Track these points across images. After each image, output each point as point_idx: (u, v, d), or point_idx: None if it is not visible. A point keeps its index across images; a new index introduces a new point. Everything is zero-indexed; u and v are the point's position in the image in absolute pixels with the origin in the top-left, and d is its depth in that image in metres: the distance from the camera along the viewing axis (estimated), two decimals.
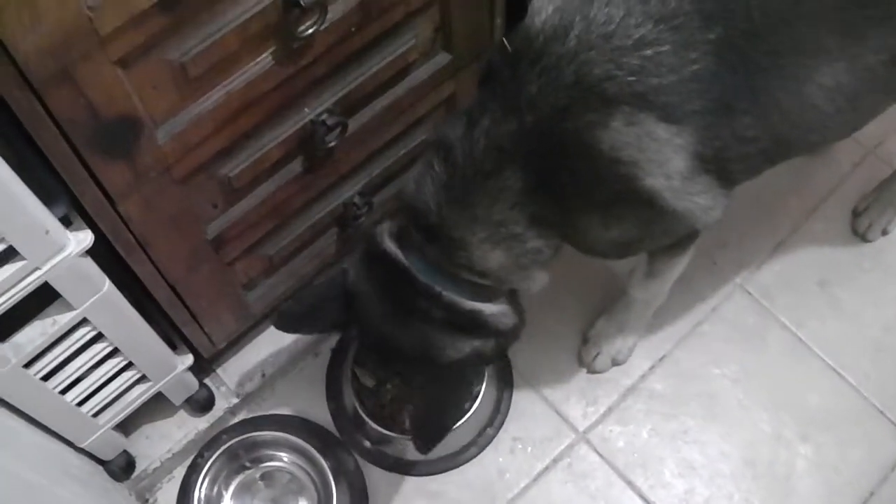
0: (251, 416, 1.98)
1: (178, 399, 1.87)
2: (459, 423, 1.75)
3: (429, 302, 1.45)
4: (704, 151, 1.29)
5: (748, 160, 1.37)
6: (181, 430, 1.93)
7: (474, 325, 1.48)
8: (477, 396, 1.89)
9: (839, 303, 2.09)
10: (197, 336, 1.76)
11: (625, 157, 1.26)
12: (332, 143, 1.55)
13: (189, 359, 1.78)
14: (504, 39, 1.33)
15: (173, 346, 1.76)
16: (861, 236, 2.17)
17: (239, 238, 1.62)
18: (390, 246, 1.46)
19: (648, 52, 1.23)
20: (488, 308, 1.49)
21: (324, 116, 1.51)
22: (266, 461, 1.93)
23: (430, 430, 1.54)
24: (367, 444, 1.95)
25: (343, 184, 1.74)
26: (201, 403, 1.93)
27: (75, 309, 1.43)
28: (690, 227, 1.43)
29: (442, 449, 1.83)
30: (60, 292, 1.38)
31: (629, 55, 1.24)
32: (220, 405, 1.95)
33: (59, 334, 1.45)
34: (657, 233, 1.47)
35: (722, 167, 1.34)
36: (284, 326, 1.59)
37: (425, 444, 1.54)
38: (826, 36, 1.30)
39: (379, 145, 1.72)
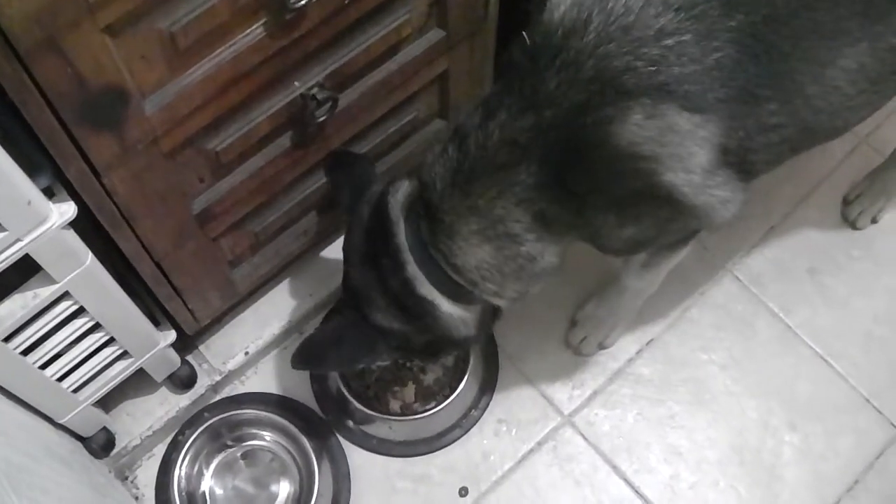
0: (233, 394, 1.97)
1: (159, 376, 1.84)
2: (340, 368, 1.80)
3: (392, 266, 1.43)
4: (728, 142, 1.27)
5: (771, 149, 1.35)
6: (162, 407, 1.91)
7: (416, 311, 1.46)
8: (462, 377, 1.89)
9: (829, 291, 2.09)
10: (181, 313, 1.73)
11: (645, 152, 1.24)
12: (323, 119, 1.52)
13: (171, 335, 1.75)
14: (524, 33, 1.31)
15: (156, 322, 1.73)
16: (851, 224, 2.16)
17: (225, 213, 1.59)
18: (393, 202, 1.44)
19: (669, 41, 1.21)
20: (446, 305, 1.47)
21: (314, 91, 1.48)
22: (248, 440, 1.92)
23: (307, 355, 1.55)
24: (351, 424, 1.93)
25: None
26: (183, 381, 1.90)
27: (57, 282, 1.40)
28: (707, 223, 1.40)
29: (426, 430, 1.88)
30: (42, 265, 1.35)
31: (649, 46, 1.21)
32: (203, 383, 1.92)
33: (39, 308, 1.42)
34: (672, 229, 1.46)
35: (744, 158, 1.31)
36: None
37: (296, 360, 1.54)
38: (847, 17, 1.28)
39: (370, 121, 1.69)
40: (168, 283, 1.63)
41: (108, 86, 1.21)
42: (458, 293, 1.46)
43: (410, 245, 1.42)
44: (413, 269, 1.43)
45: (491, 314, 1.57)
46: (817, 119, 1.36)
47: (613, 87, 1.22)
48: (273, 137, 1.54)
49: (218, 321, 1.94)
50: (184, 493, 1.85)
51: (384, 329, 1.49)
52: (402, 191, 1.45)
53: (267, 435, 1.91)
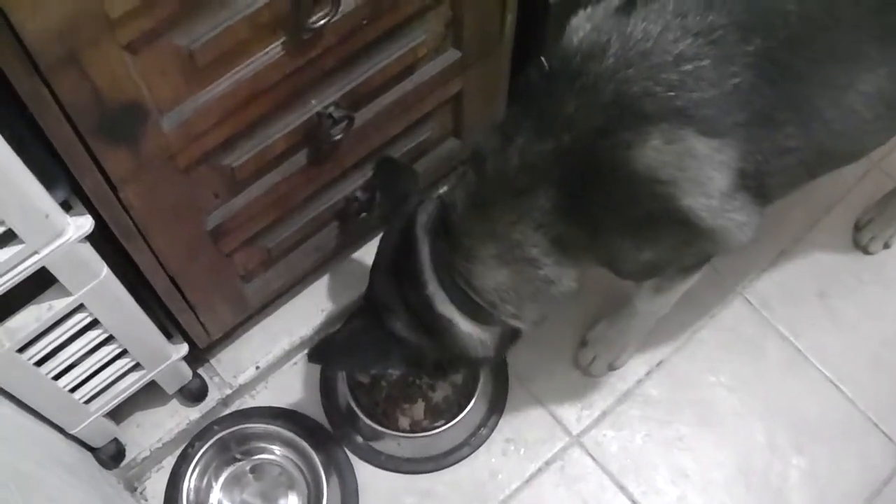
0: (243, 407, 1.97)
1: (171, 388, 1.85)
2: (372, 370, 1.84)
3: (414, 282, 1.45)
4: (746, 166, 1.27)
5: (788, 173, 1.36)
6: (173, 419, 1.91)
7: (434, 328, 1.48)
8: (472, 395, 1.89)
9: (838, 315, 2.08)
10: (193, 326, 1.74)
11: (663, 177, 1.24)
12: (338, 137, 1.54)
13: (184, 348, 1.76)
14: (542, 58, 1.32)
15: (168, 335, 1.74)
16: (863, 249, 2.15)
17: (239, 229, 1.60)
18: (420, 221, 1.45)
19: (688, 67, 1.22)
20: (464, 324, 1.48)
21: (330, 109, 1.49)
22: (257, 454, 1.92)
23: (324, 351, 1.57)
24: (360, 440, 1.94)
25: (347, 178, 1.72)
26: (194, 393, 1.91)
27: (72, 295, 1.41)
28: (724, 247, 1.40)
29: (435, 447, 1.88)
30: (58, 277, 1.36)
31: (668, 71, 1.22)
32: (213, 396, 1.93)
33: (54, 320, 1.43)
34: (688, 253, 1.46)
35: (761, 182, 1.32)
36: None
37: (314, 355, 1.57)
38: (866, 41, 1.29)
39: (384, 140, 1.70)
40: (181, 296, 1.63)
41: (126, 102, 1.23)
42: (477, 313, 1.47)
43: (433, 264, 1.44)
44: (433, 288, 1.44)
45: (510, 337, 1.58)
46: (835, 143, 1.36)
47: (632, 112, 1.23)
48: (289, 155, 1.55)
49: (229, 335, 1.94)
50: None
51: (401, 339, 1.50)
52: (428, 211, 1.47)
53: (276, 449, 1.91)
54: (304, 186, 1.63)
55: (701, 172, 1.24)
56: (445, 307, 1.45)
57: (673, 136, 1.22)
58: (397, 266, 1.49)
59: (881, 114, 1.35)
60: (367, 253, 1.97)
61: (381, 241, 1.55)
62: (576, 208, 1.31)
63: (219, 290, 1.72)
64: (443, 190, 1.49)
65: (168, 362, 1.74)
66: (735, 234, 1.34)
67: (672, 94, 1.22)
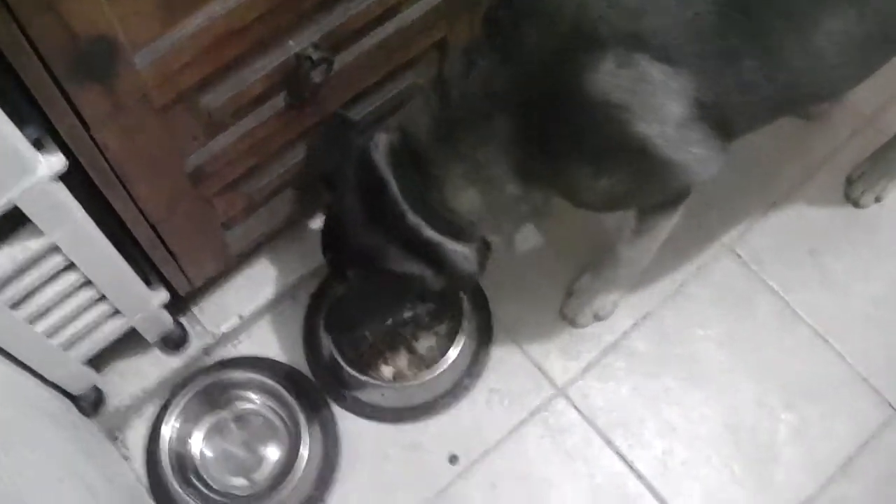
0: (226, 357, 1.96)
1: (151, 336, 1.83)
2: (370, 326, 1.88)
3: (393, 217, 1.47)
4: (703, 98, 1.26)
5: (750, 109, 1.35)
6: (154, 368, 1.89)
7: (428, 254, 1.50)
8: (455, 345, 1.88)
9: (829, 272, 2.07)
10: (174, 274, 1.72)
11: (615, 100, 1.24)
12: (318, 80, 1.51)
13: (164, 295, 1.74)
14: None
15: (148, 282, 1.72)
16: (854, 202, 2.14)
17: (218, 173, 1.58)
18: (378, 156, 1.47)
19: None
20: (450, 244, 1.50)
21: (309, 51, 1.46)
22: (239, 403, 1.91)
23: (340, 319, 1.65)
24: (343, 390, 1.92)
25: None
26: (175, 342, 1.89)
27: (45, 236, 1.38)
28: (685, 181, 1.41)
29: (418, 397, 1.87)
30: (31, 217, 1.34)
31: None
32: (195, 345, 1.92)
33: (28, 261, 1.41)
34: (649, 185, 1.45)
35: (722, 116, 1.31)
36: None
37: (331, 326, 1.74)
38: None
39: (366, 86, 1.67)
40: (163, 244, 1.62)
41: (98, 37, 1.19)
42: (458, 233, 1.50)
43: (405, 195, 1.46)
44: (413, 218, 1.47)
45: (486, 250, 1.61)
46: (799, 82, 1.35)
47: (588, 37, 1.23)
48: (267, 98, 1.52)
49: (212, 283, 1.92)
50: (173, 455, 1.83)
51: (405, 276, 1.53)
52: (384, 144, 1.48)
53: (258, 398, 1.90)
54: (283, 131, 1.60)
55: (655, 99, 1.24)
56: (430, 233, 1.48)
57: (626, 60, 1.22)
58: (371, 209, 1.50)
59: (850, 57, 1.34)
60: None
61: (340, 198, 1.55)
62: (534, 134, 1.33)
63: (200, 237, 1.69)
64: (392, 120, 1.51)
65: (148, 309, 1.72)
66: (696, 168, 1.35)
67: (629, 18, 1.22)
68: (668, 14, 1.22)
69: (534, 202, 1.47)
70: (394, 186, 1.46)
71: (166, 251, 1.63)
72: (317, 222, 1.97)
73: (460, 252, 1.52)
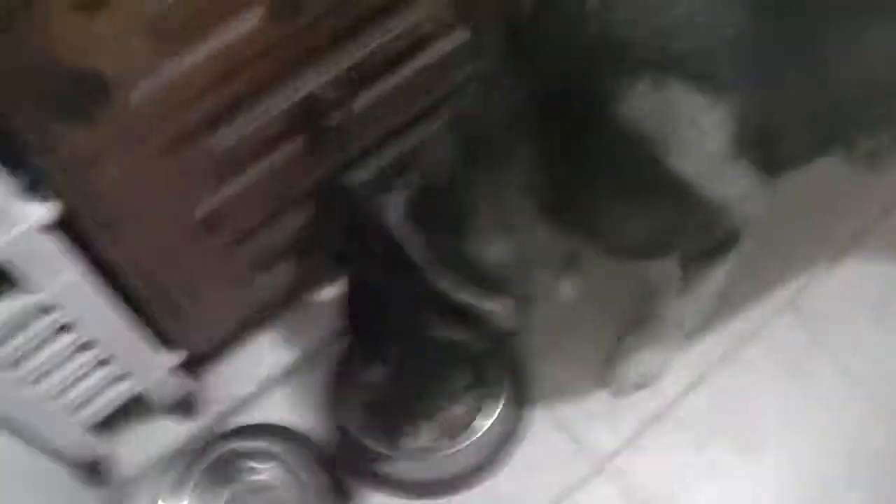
0: (243, 424, 1.84)
1: (161, 402, 1.75)
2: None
3: (422, 283, 1.35)
4: (745, 127, 1.17)
5: (797, 139, 1.26)
6: (164, 436, 1.79)
7: (465, 317, 1.39)
8: (491, 414, 1.77)
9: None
10: (185, 331, 1.63)
11: (646, 132, 1.15)
12: (334, 123, 1.43)
13: (176, 357, 1.65)
14: None
15: (160, 341, 1.63)
16: None
17: (233, 220, 1.49)
18: (392, 217, 1.35)
19: (679, 11, 1.12)
20: (485, 303, 1.38)
21: (324, 90, 1.38)
22: (256, 475, 1.79)
23: (391, 409, 1.56)
24: (367, 464, 1.79)
25: (353, 170, 1.60)
26: (188, 408, 1.80)
27: (40, 293, 1.29)
28: (728, 222, 1.31)
29: (448, 469, 1.76)
30: (20, 271, 1.24)
31: (658, 15, 1.12)
32: (210, 410, 1.82)
33: (22, 321, 1.33)
34: (688, 228, 1.34)
35: (766, 148, 1.22)
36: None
37: (387, 434, 1.60)
38: None
39: (391, 127, 1.59)
40: (168, 297, 1.53)
41: (85, 72, 1.10)
42: (492, 288, 1.38)
43: (428, 257, 1.34)
44: (441, 280, 1.35)
45: (525, 302, 1.48)
46: (846, 99, 1.25)
47: (616, 59, 1.14)
48: (282, 140, 1.42)
49: (229, 344, 1.83)
50: None
51: (450, 343, 1.45)
52: (398, 201, 1.36)
53: (277, 470, 1.78)
54: (302, 176, 1.52)
55: (691, 130, 1.15)
56: (462, 294, 1.37)
57: (659, 87, 1.12)
58: (400, 279, 1.38)
59: None
60: None
61: (355, 271, 1.45)
62: (557, 166, 1.22)
63: (215, 291, 1.61)
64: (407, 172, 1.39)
65: (157, 372, 1.64)
66: (737, 207, 1.26)
67: (661, 41, 1.12)
68: (704, 33, 1.13)
69: (565, 254, 1.38)
70: (413, 250, 1.34)
71: (174, 304, 1.54)
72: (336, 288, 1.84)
73: (496, 310, 1.40)
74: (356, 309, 1.49)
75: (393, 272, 1.37)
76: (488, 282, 1.36)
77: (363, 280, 1.43)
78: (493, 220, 1.30)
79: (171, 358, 1.64)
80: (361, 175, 1.60)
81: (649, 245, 1.38)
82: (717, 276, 1.56)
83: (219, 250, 1.52)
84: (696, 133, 1.15)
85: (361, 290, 1.46)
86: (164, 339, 1.63)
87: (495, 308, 1.39)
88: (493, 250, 1.33)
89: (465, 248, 1.33)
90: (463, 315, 1.38)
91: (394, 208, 1.36)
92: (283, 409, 1.86)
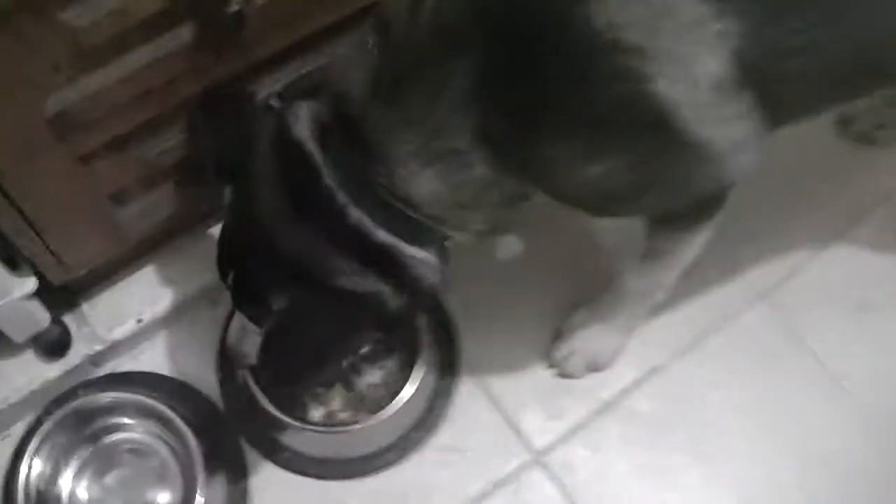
0: (118, 370, 1.63)
1: (19, 335, 1.50)
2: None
3: (331, 217, 1.11)
4: (749, 54, 0.97)
5: (807, 81, 1.06)
6: (23, 375, 1.56)
7: (385, 263, 1.14)
8: (406, 385, 1.54)
9: (880, 333, 1.76)
10: (40, 254, 1.35)
11: (629, 42, 0.94)
12: (236, 8, 1.15)
13: (31, 283, 1.40)
14: None
15: (13, 265, 1.39)
16: None
17: (96, 125, 1.21)
18: (301, 131, 1.11)
19: None
20: (407, 248, 1.14)
21: None
22: (124, 432, 1.56)
23: (278, 370, 1.31)
24: (259, 428, 1.59)
25: (254, 79, 1.33)
26: (52, 345, 1.56)
27: None
28: (713, 176, 1.12)
29: (352, 448, 1.59)
30: None
31: None
32: (79, 350, 1.58)
33: None
34: (662, 179, 1.14)
35: (769, 87, 1.03)
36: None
37: (271, 384, 1.36)
38: None
39: (308, 32, 1.32)
40: (17, 211, 1.24)
41: None
42: (415, 232, 1.16)
43: (342, 184, 1.10)
44: (357, 214, 1.11)
45: (445, 253, 1.25)
46: (863, 43, 1.06)
47: None
48: (164, 27, 1.15)
49: (107, 276, 1.59)
50: (32, 493, 1.48)
51: (358, 296, 1.16)
52: (305, 115, 1.12)
53: (151, 428, 1.55)
54: (190, 78, 1.24)
55: (684, 45, 0.95)
56: (381, 234, 1.12)
57: None
58: (298, 210, 1.13)
59: None
60: None
61: (251, 193, 1.17)
62: (505, 88, 1.01)
63: (76, 209, 1.33)
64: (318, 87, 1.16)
65: (8, 298, 1.39)
66: (729, 156, 1.07)
67: None
68: None
69: (510, 191, 1.13)
70: (325, 172, 1.09)
71: (20, 218, 1.26)
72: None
73: (420, 258, 1.16)
74: (233, 249, 1.21)
75: (291, 198, 1.13)
76: (412, 222, 1.14)
77: (251, 209, 1.16)
78: (422, 146, 1.07)
79: (26, 283, 1.39)
80: (261, 89, 1.34)
81: (613, 196, 1.16)
82: (693, 247, 1.39)
83: (76, 163, 1.26)
84: (689, 48, 0.95)
85: (244, 222, 1.18)
86: (24, 261, 1.39)
87: (419, 255, 1.16)
88: (417, 183, 1.10)
89: (383, 179, 1.10)
90: (379, 259, 1.14)
91: (303, 124, 1.12)
92: (167, 356, 1.67)
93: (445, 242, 1.20)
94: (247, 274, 1.18)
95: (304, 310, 1.17)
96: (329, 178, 1.09)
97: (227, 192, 1.20)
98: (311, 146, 1.10)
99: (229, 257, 1.21)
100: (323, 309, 1.18)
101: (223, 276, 1.21)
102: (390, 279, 1.15)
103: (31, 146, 1.16)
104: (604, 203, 1.20)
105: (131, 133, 1.26)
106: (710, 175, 1.11)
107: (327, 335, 1.22)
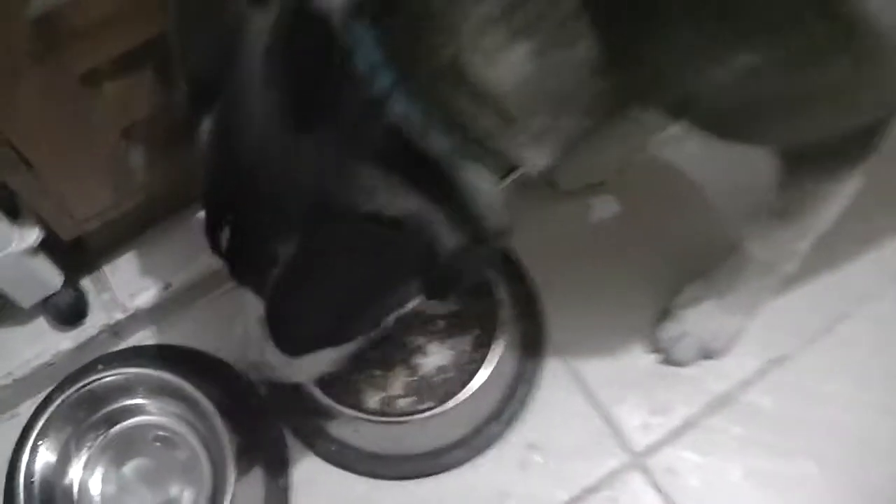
0: (143, 343, 1.48)
1: (26, 299, 1.36)
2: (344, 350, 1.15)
3: (365, 115, 0.83)
4: None
5: None
6: (33, 347, 1.43)
7: (440, 182, 0.85)
8: (484, 365, 1.37)
9: None
10: (41, 199, 1.19)
11: None
12: None
13: (33, 234, 1.25)
14: None
15: (15, 214, 1.25)
16: None
17: (95, 34, 1.00)
18: (332, 2, 0.82)
19: None
20: (470, 170, 0.86)
21: None
22: (147, 415, 1.37)
23: (287, 330, 0.99)
24: (304, 416, 1.42)
25: None
26: (66, 312, 1.42)
27: None
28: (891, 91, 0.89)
29: (412, 443, 1.41)
30: None
31: None
32: (98, 319, 1.43)
33: None
34: (827, 91, 0.89)
35: None
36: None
37: (286, 344, 1.03)
38: None
39: None
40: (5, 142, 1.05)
41: None
42: (480, 151, 0.87)
43: (379, 64, 0.82)
44: (401, 109, 0.82)
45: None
46: None
47: None
48: None
49: (133, 236, 1.45)
50: (34, 483, 1.30)
51: (398, 223, 0.87)
52: None
53: (177, 412, 1.37)
54: None
55: None
56: (437, 139, 0.84)
57: None
58: (313, 104, 0.86)
59: None
60: None
61: (228, 108, 0.90)
62: None
63: (78, 143, 1.14)
64: None
65: (6, 251, 1.24)
66: None
67: None
68: None
69: (610, 96, 0.85)
70: (359, 54, 0.82)
71: (13, 153, 1.07)
72: None
73: (484, 188, 0.89)
74: (223, 179, 0.93)
75: (301, 98, 0.87)
76: (478, 132, 0.85)
77: (237, 130, 0.89)
78: (505, 8, 0.79)
79: (28, 234, 1.24)
80: None
81: (758, 109, 0.92)
82: (837, 201, 1.20)
83: (76, 84, 1.06)
84: None
85: (235, 140, 0.90)
86: (14, 210, 1.23)
87: (483, 184, 0.88)
88: (500, 62, 0.81)
89: (445, 59, 0.82)
90: (429, 177, 0.86)
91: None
92: (195, 329, 1.51)
93: (511, 175, 0.93)
94: (244, 228, 0.93)
95: (323, 248, 0.90)
96: (362, 62, 0.82)
97: (206, 125, 0.92)
98: (340, 19, 0.82)
99: (217, 214, 0.95)
100: (349, 245, 0.90)
101: (215, 245, 0.96)
102: (444, 205, 0.89)
103: (13, 56, 0.96)
104: (743, 119, 0.96)
105: (142, 50, 1.05)
106: (889, 84, 0.89)
107: (354, 283, 0.92)
